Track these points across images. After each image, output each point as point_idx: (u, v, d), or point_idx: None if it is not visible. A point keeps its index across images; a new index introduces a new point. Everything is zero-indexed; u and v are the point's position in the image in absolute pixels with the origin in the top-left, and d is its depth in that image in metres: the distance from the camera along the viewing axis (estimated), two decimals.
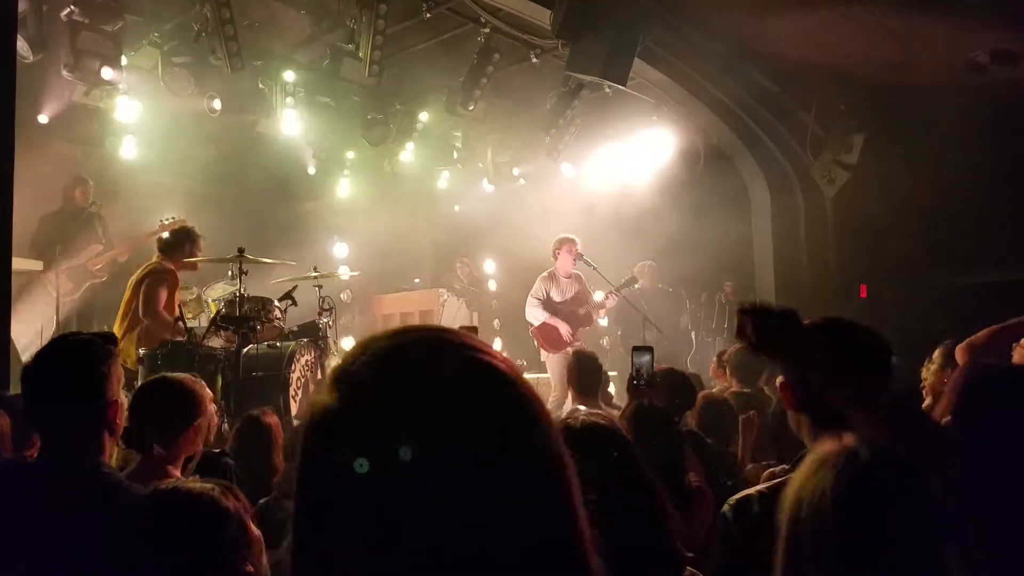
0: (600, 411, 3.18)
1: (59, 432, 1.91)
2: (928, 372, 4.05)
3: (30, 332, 6.56)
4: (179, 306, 5.51)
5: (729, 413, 3.85)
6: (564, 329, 7.13)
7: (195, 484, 1.58)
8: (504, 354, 0.76)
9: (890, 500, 1.20)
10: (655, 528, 1.78)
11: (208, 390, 2.49)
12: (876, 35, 6.93)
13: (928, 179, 7.38)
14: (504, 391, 0.71)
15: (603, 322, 9.27)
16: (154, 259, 5.80)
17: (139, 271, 5.73)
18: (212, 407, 2.51)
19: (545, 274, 7.35)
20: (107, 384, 1.95)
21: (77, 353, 1.95)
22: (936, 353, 4.01)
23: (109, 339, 2.04)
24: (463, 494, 0.65)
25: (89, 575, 1.72)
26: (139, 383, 4.93)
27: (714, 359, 5.91)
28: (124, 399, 2.16)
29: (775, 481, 1.86)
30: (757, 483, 2.44)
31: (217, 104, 7.41)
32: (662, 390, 3.44)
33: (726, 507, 1.82)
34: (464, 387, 0.70)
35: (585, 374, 4.35)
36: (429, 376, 0.70)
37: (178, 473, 2.22)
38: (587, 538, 0.71)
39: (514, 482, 0.67)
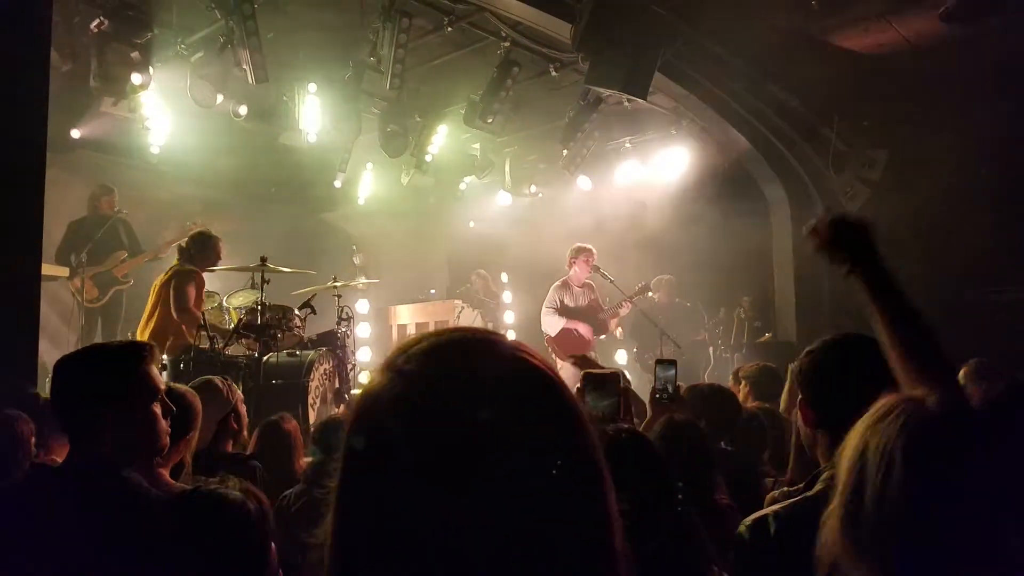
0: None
1: (87, 438, 1.91)
2: None
3: (56, 338, 6.65)
4: (203, 313, 5.57)
5: (759, 428, 3.76)
6: (585, 330, 7.14)
7: (223, 487, 1.58)
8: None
9: (961, 450, 1.12)
10: (683, 538, 1.76)
11: (238, 392, 2.53)
12: (897, 49, 6.90)
13: (952, 196, 7.32)
14: (552, 395, 0.73)
15: (618, 335, 9.26)
16: (175, 262, 5.89)
17: (163, 275, 5.81)
18: (242, 408, 2.55)
19: (559, 283, 7.39)
20: (139, 391, 1.95)
21: (111, 360, 1.96)
22: (961, 372, 3.95)
23: (143, 347, 2.04)
24: (505, 489, 0.66)
25: None
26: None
27: (731, 375, 5.87)
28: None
29: (790, 501, 1.84)
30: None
31: (243, 110, 7.52)
32: (700, 407, 3.36)
33: (742, 527, 1.79)
34: (514, 387, 0.72)
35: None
36: (481, 373, 0.71)
37: (167, 476, 2.24)
38: (620, 543, 0.72)
39: (556, 482, 0.68)
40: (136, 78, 6.65)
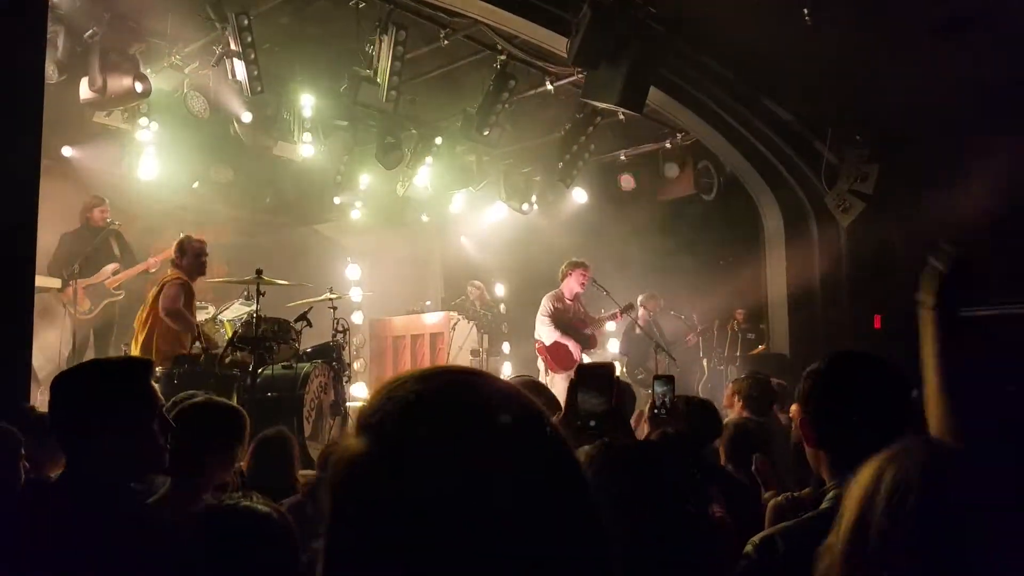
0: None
1: (86, 452, 1.89)
2: None
3: (47, 350, 6.59)
4: (197, 326, 5.54)
5: (758, 441, 3.77)
6: (574, 347, 7.19)
7: (253, 502, 1.56)
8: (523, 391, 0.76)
9: (978, 483, 1.09)
10: (678, 550, 1.75)
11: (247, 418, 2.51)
12: (891, 63, 6.96)
13: (944, 209, 7.36)
14: (533, 434, 0.71)
15: (613, 349, 9.27)
16: (167, 273, 5.88)
17: (156, 287, 5.80)
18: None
19: (551, 294, 7.43)
20: (140, 406, 1.94)
21: (114, 375, 1.95)
22: None
23: (145, 363, 2.05)
24: (494, 539, 0.65)
25: None
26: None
27: (728, 386, 5.87)
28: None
29: (797, 520, 1.83)
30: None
31: (247, 118, 7.53)
32: (683, 419, 3.40)
33: (749, 547, 1.75)
34: (493, 435, 0.69)
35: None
36: (456, 427, 0.69)
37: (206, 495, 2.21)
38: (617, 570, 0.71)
39: (548, 525, 0.67)
40: (128, 89, 6.64)
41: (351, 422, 6.05)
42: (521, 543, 0.65)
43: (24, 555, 1.78)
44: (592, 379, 2.18)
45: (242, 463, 3.38)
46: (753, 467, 3.33)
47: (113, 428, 1.87)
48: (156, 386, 2.04)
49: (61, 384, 1.93)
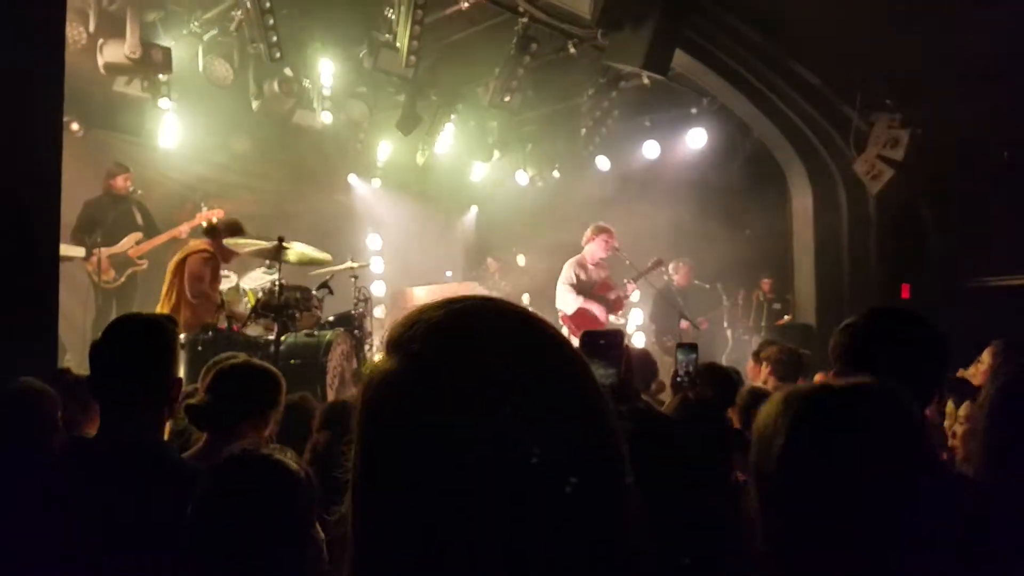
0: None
1: (123, 408, 1.94)
2: (976, 372, 3.95)
3: (71, 318, 6.64)
4: (220, 293, 5.55)
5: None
6: (600, 311, 7.12)
7: (268, 449, 1.55)
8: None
9: (842, 425, 1.12)
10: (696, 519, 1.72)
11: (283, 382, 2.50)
12: (924, 26, 6.74)
13: (974, 177, 7.19)
14: (558, 357, 0.72)
15: (638, 320, 9.20)
16: (193, 243, 5.87)
17: (179, 254, 5.79)
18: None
19: (573, 260, 7.35)
20: (172, 362, 2.01)
21: (147, 330, 2.00)
22: (985, 353, 3.90)
23: (173, 321, 2.10)
24: (520, 462, 0.65)
25: (152, 549, 1.72)
26: (180, 367, 4.98)
27: (751, 357, 5.81)
28: None
29: None
30: None
31: (276, 87, 7.47)
32: (709, 386, 3.38)
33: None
34: (528, 360, 0.70)
35: (641, 369, 4.30)
36: (486, 344, 0.70)
37: None
38: (633, 515, 0.72)
39: (573, 451, 0.68)
40: (149, 57, 6.60)
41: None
42: (548, 459, 0.66)
43: (65, 509, 1.82)
44: (600, 348, 2.07)
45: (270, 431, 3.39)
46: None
47: (145, 381, 1.93)
48: (182, 353, 2.06)
49: (98, 342, 1.97)
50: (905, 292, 8.47)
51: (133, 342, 1.96)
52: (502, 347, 0.70)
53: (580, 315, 7.18)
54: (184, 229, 7.25)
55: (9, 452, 2.21)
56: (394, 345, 0.72)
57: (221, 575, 1.45)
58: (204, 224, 5.99)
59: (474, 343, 0.70)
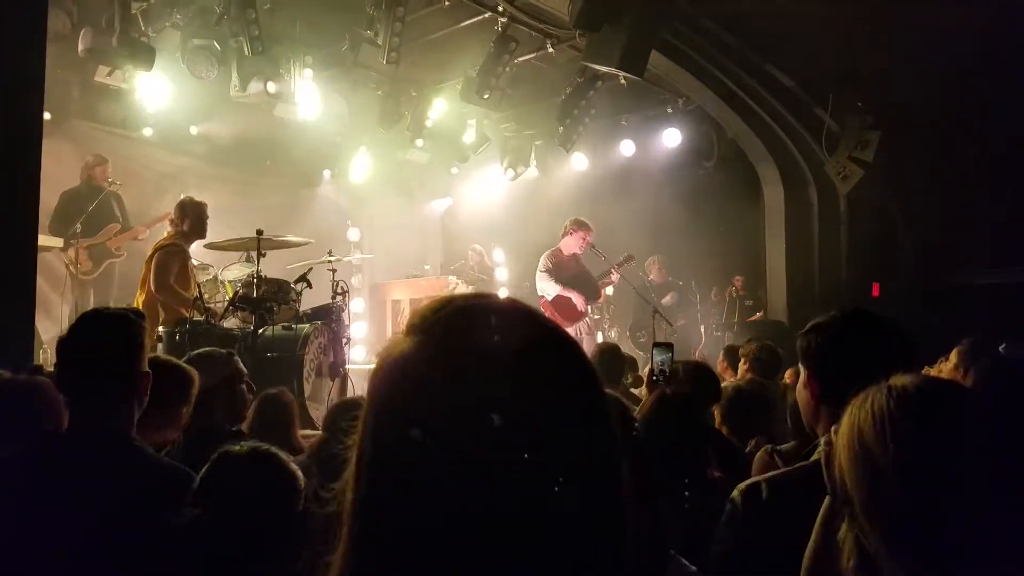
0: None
1: (92, 402, 1.94)
2: (943, 371, 4.01)
3: (49, 310, 6.65)
4: (198, 285, 5.59)
5: (758, 403, 3.78)
6: (578, 299, 7.24)
7: (271, 448, 1.61)
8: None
9: (953, 420, 1.17)
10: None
11: (238, 367, 2.54)
12: (895, 28, 6.89)
13: (944, 178, 7.37)
14: (577, 359, 0.76)
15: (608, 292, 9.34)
16: (165, 235, 5.90)
17: (151, 248, 5.83)
18: (243, 386, 2.57)
19: (549, 251, 7.49)
20: (142, 355, 2.00)
21: (113, 324, 1.99)
22: (953, 352, 3.96)
23: (140, 314, 2.09)
24: (532, 451, 0.68)
25: (123, 544, 1.75)
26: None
27: (721, 353, 5.90)
28: None
29: (784, 470, 1.88)
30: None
31: (272, 87, 7.47)
32: (686, 383, 3.44)
33: (736, 493, 1.81)
34: (543, 353, 0.74)
35: (608, 362, 4.40)
36: (508, 338, 0.72)
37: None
38: (628, 507, 0.75)
39: (580, 443, 0.71)
40: (143, 44, 6.59)
41: (350, 383, 6.08)
42: (548, 461, 0.69)
43: (32, 502, 1.84)
44: None
45: (243, 425, 3.46)
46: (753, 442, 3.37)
47: (111, 376, 1.93)
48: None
49: (65, 337, 2.00)
50: (875, 291, 8.67)
51: (98, 337, 1.97)
52: (523, 342, 0.72)
53: (559, 302, 7.32)
54: (143, 229, 7.27)
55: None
56: (417, 327, 0.74)
57: (222, 567, 1.50)
58: (171, 215, 5.98)
59: (496, 334, 0.72)
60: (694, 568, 1.52)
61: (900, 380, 1.24)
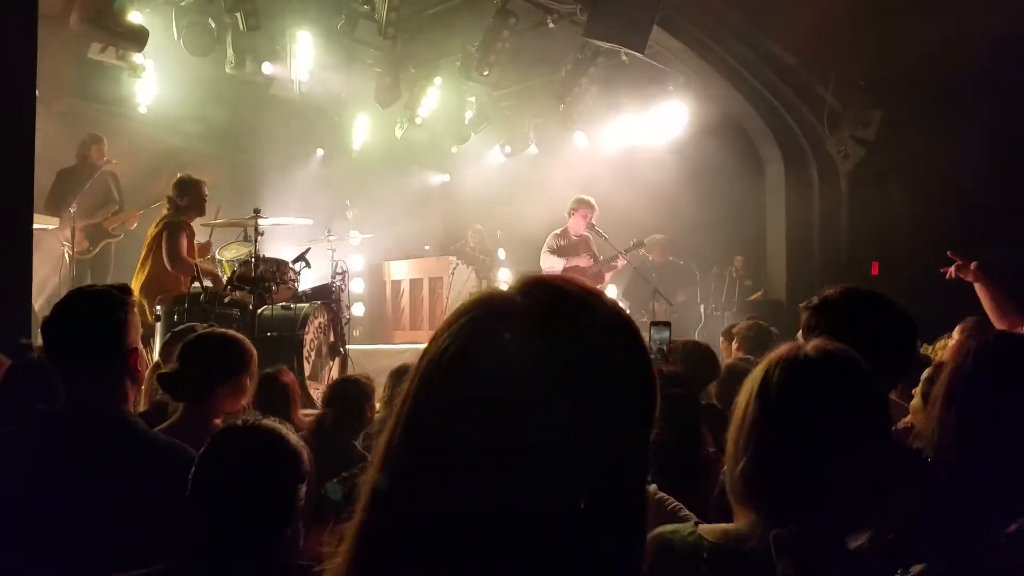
0: None
1: (82, 381, 1.93)
2: (945, 349, 4.00)
3: (45, 289, 6.61)
4: (196, 264, 5.56)
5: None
6: (585, 263, 7.20)
7: (268, 421, 1.59)
8: None
9: (825, 389, 1.29)
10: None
11: (254, 350, 2.53)
12: (899, 7, 6.82)
13: (946, 158, 7.31)
14: (643, 346, 0.80)
15: (611, 292, 9.30)
16: (164, 212, 5.87)
17: (154, 226, 5.80)
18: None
19: (557, 231, 7.44)
20: (126, 331, 1.97)
21: (94, 302, 1.97)
22: (956, 330, 3.95)
23: (124, 290, 2.07)
24: (591, 420, 0.70)
25: (118, 523, 1.74)
26: (156, 339, 5.01)
27: (722, 334, 5.89)
28: (144, 350, 2.20)
29: None
30: None
31: (268, 68, 7.40)
32: (682, 362, 3.44)
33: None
34: (618, 335, 0.77)
35: None
36: (595, 303, 0.76)
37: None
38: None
39: (632, 422, 0.76)
40: (136, 16, 6.51)
41: (350, 363, 6.07)
42: (601, 430, 0.72)
43: (27, 482, 1.82)
44: None
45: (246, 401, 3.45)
46: None
47: (98, 353, 1.91)
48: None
49: (48, 317, 1.97)
50: (875, 269, 8.65)
51: (81, 315, 1.94)
52: (606, 309, 0.76)
53: (567, 273, 7.28)
54: (131, 218, 7.22)
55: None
56: (530, 286, 0.75)
57: (219, 542, 1.48)
58: (169, 194, 5.95)
59: (587, 300, 0.75)
60: None
61: (804, 347, 1.37)
